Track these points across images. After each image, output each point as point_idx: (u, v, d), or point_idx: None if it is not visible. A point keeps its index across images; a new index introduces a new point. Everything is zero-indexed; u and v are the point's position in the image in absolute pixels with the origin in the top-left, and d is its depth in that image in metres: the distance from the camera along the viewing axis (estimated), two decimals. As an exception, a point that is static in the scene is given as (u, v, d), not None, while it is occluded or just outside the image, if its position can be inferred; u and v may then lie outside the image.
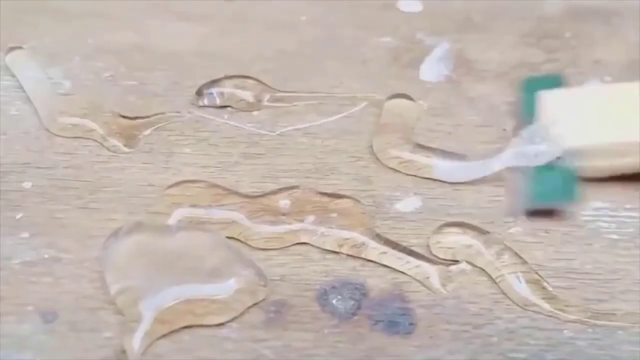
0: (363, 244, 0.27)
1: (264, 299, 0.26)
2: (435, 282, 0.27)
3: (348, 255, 0.27)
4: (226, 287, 0.26)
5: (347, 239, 0.27)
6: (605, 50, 0.34)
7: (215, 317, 0.26)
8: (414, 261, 0.27)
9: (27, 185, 0.29)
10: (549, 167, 0.29)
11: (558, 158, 0.29)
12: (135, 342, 0.25)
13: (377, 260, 0.27)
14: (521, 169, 0.29)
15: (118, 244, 0.26)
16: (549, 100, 0.31)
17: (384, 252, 0.27)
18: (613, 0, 0.35)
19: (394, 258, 0.27)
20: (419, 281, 0.27)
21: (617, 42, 0.34)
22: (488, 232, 0.28)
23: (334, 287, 0.27)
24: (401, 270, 0.27)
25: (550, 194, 0.29)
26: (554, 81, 0.32)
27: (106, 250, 0.26)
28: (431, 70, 0.33)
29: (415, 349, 0.25)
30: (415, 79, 0.33)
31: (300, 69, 0.34)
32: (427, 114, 0.32)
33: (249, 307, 0.26)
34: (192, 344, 0.25)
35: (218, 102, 0.32)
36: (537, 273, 0.27)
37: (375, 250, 0.27)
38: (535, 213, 0.28)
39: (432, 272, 0.27)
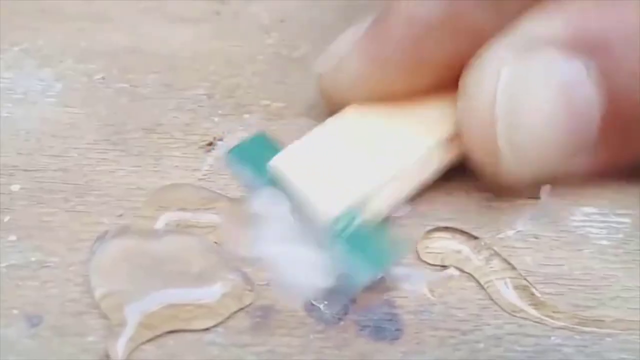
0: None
1: (250, 304, 0.26)
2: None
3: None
4: (212, 292, 0.26)
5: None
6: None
7: (201, 322, 0.26)
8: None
9: (15, 188, 0.29)
10: (355, 239, 0.27)
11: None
12: (120, 347, 0.25)
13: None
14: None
15: (104, 247, 0.26)
16: (286, 166, 0.28)
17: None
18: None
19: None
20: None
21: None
22: (477, 238, 0.28)
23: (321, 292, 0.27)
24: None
25: (384, 258, 0.27)
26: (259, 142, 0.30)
27: (92, 254, 0.26)
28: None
29: (401, 355, 0.25)
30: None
31: (294, 72, 0.34)
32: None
33: (235, 312, 0.26)
34: (177, 348, 0.25)
35: None
36: (525, 279, 0.27)
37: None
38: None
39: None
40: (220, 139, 0.31)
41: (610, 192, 0.29)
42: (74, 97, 0.32)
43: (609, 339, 0.26)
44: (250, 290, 0.26)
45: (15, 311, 0.26)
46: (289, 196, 0.27)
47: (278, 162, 0.28)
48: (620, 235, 0.28)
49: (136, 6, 0.36)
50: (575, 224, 0.28)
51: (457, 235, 0.28)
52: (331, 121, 0.29)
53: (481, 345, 0.25)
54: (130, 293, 0.25)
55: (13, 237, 0.28)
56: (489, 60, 0.27)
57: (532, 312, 0.26)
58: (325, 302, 0.26)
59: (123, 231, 0.27)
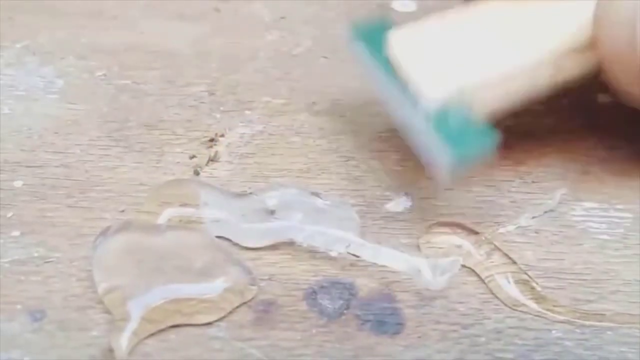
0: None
1: (252, 299, 0.26)
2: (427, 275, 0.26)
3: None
4: (215, 287, 0.26)
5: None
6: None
7: (204, 317, 0.26)
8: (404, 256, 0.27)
9: (18, 184, 0.29)
10: (450, 123, 0.26)
11: (450, 108, 0.26)
12: (123, 341, 0.25)
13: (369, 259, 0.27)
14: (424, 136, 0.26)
15: (107, 242, 0.26)
16: (404, 44, 0.27)
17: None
18: None
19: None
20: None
21: None
22: (478, 232, 0.28)
23: (322, 287, 0.27)
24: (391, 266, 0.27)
25: (471, 150, 0.26)
26: (383, 24, 0.28)
27: (95, 249, 0.26)
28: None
29: (403, 349, 0.25)
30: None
31: (294, 69, 0.34)
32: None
33: (238, 307, 0.26)
34: (179, 343, 0.25)
35: None
36: (526, 273, 0.27)
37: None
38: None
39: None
40: (222, 135, 0.31)
41: (611, 188, 0.29)
42: (76, 93, 0.32)
43: (609, 333, 0.26)
44: (253, 285, 0.26)
45: (18, 306, 0.26)
46: (401, 73, 0.27)
47: (395, 38, 0.28)
48: (621, 230, 0.28)
49: (137, 4, 0.36)
50: (576, 218, 0.29)
51: (458, 230, 0.28)
52: (460, 8, 0.29)
53: (482, 339, 0.26)
54: (133, 288, 0.26)
55: (16, 233, 0.28)
56: None
57: (533, 306, 0.26)
58: (327, 297, 0.26)
59: (125, 227, 0.27)
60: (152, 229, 0.27)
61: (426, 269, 0.26)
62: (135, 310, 0.25)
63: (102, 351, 0.25)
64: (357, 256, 0.27)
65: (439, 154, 0.26)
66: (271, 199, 0.27)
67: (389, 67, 0.27)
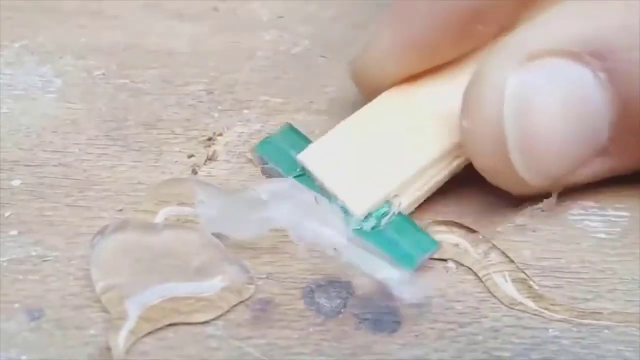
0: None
1: (249, 297, 0.26)
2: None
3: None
4: (212, 285, 0.26)
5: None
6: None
7: (201, 315, 0.26)
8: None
9: (15, 183, 0.29)
10: (390, 230, 0.27)
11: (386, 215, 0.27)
12: (120, 340, 0.25)
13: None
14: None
15: (104, 241, 0.26)
16: (317, 162, 0.28)
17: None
18: None
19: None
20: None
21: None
22: (475, 231, 0.28)
23: (320, 286, 0.27)
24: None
25: (417, 252, 0.27)
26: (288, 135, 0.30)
27: (93, 248, 0.26)
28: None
29: (400, 347, 0.25)
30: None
31: (292, 68, 0.34)
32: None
33: (235, 305, 0.26)
34: (177, 341, 0.25)
35: None
36: (523, 272, 0.27)
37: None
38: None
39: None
40: (220, 134, 0.31)
41: (608, 186, 0.29)
42: (74, 93, 0.32)
43: (606, 331, 0.26)
44: (250, 284, 0.26)
45: (16, 305, 0.26)
46: (319, 190, 0.28)
47: (305, 157, 0.28)
48: (618, 229, 0.28)
49: (136, 2, 0.36)
50: (573, 217, 0.29)
51: (456, 229, 0.28)
52: (358, 114, 0.29)
53: (479, 337, 0.26)
54: (130, 286, 0.26)
55: (14, 232, 0.28)
56: (491, 72, 0.26)
57: (530, 304, 0.26)
58: (325, 295, 0.26)
59: (123, 225, 0.27)
60: (150, 228, 0.27)
61: (402, 283, 0.26)
62: (133, 309, 0.25)
63: (99, 350, 0.25)
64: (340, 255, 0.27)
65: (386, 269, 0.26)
66: (265, 192, 0.27)
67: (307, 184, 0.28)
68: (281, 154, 0.29)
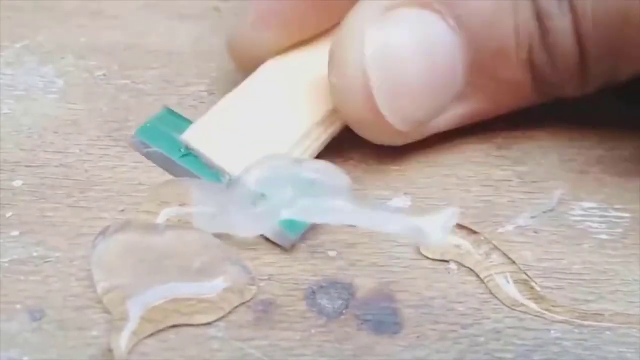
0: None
1: (251, 298, 0.26)
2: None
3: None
4: (213, 286, 0.26)
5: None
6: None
7: (203, 316, 0.26)
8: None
9: (17, 183, 0.29)
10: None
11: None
12: (122, 341, 0.25)
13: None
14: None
15: (106, 242, 0.26)
16: (202, 139, 0.29)
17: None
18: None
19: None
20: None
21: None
22: (477, 232, 0.28)
23: (321, 287, 0.27)
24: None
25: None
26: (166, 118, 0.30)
27: (94, 249, 0.26)
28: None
29: (402, 349, 0.25)
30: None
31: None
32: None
33: (237, 306, 0.26)
34: (178, 342, 0.25)
35: None
36: (525, 273, 0.27)
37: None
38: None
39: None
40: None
41: (609, 187, 0.29)
42: (75, 93, 0.32)
43: (608, 333, 0.26)
44: (252, 285, 0.26)
45: (17, 305, 0.26)
46: (207, 167, 0.28)
47: (190, 136, 0.29)
48: (619, 230, 0.28)
49: (136, 2, 0.36)
50: (575, 218, 0.29)
51: (457, 230, 0.28)
52: (238, 89, 0.30)
53: (481, 338, 0.26)
54: (132, 287, 0.26)
55: (15, 232, 0.28)
56: (352, 26, 0.27)
57: (532, 305, 0.26)
58: (327, 297, 0.26)
59: (125, 226, 0.27)
60: (151, 229, 0.27)
61: (427, 225, 0.26)
62: (134, 309, 0.25)
63: (101, 351, 0.25)
64: (354, 226, 0.27)
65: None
66: (257, 179, 0.27)
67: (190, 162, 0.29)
68: (162, 136, 0.30)
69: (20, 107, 0.32)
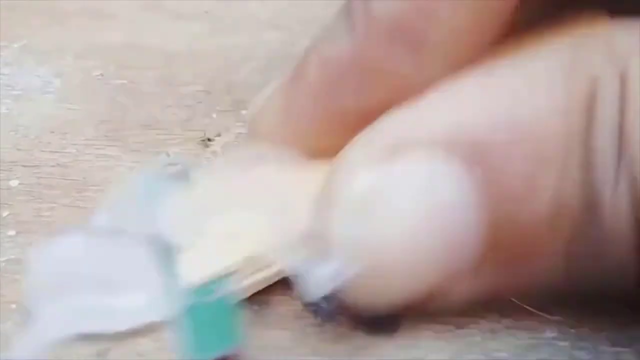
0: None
1: (246, 298, 0.26)
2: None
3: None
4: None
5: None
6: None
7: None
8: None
9: (13, 183, 0.29)
10: (201, 310, 0.24)
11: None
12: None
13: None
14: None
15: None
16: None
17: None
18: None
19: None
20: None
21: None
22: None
23: (317, 287, 0.27)
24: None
25: (211, 344, 0.24)
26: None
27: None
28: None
29: (397, 348, 0.25)
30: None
31: (291, 68, 0.34)
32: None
33: (232, 306, 0.26)
34: (173, 342, 0.25)
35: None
36: (521, 273, 0.27)
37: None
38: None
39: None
40: (218, 135, 0.31)
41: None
42: (73, 93, 0.32)
43: (603, 333, 0.26)
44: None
45: (13, 306, 0.26)
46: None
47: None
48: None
49: (135, 3, 0.36)
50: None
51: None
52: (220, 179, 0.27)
53: (477, 338, 0.26)
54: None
55: (12, 232, 0.28)
56: (343, 169, 0.23)
57: (527, 305, 0.26)
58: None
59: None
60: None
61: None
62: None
63: (97, 350, 0.25)
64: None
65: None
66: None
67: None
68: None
69: (18, 107, 0.32)
